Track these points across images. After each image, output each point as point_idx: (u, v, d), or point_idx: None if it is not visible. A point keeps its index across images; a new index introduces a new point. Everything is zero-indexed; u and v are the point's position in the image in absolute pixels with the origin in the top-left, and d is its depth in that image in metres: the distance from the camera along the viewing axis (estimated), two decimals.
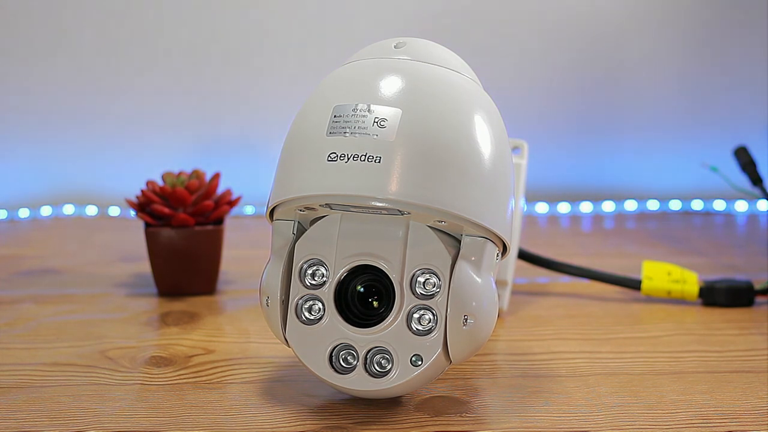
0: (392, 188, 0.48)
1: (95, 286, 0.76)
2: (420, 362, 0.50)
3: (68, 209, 1.01)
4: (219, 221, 0.73)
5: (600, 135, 1.08)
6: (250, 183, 0.98)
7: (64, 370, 0.58)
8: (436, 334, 0.50)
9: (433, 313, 0.50)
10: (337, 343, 0.51)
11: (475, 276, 0.50)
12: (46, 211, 1.01)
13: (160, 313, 0.69)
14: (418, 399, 0.54)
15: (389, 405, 0.53)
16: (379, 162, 0.48)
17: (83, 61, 1.00)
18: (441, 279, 0.50)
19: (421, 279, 0.50)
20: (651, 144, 1.08)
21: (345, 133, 0.49)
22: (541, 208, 1.05)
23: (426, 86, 0.50)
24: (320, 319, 0.52)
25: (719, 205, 1.07)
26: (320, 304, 0.52)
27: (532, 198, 1.05)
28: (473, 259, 0.50)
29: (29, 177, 1.02)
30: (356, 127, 0.49)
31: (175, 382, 0.56)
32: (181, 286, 0.72)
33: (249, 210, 1.03)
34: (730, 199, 1.06)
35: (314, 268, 0.52)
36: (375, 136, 0.48)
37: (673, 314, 0.70)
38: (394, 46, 0.52)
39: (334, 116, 0.49)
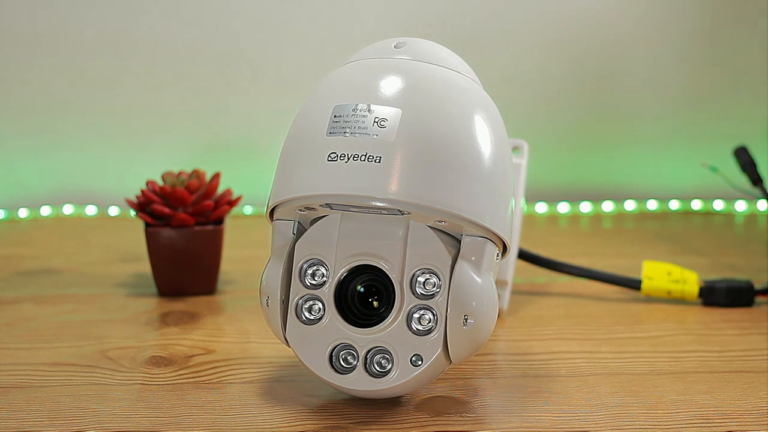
0: (392, 188, 0.48)
1: (95, 286, 0.76)
2: (420, 362, 0.50)
3: (68, 209, 1.01)
4: (219, 221, 0.73)
5: (600, 135, 1.08)
6: (250, 183, 0.98)
7: (64, 370, 0.58)
8: (436, 334, 0.50)
9: (433, 313, 0.50)
10: (337, 343, 0.51)
11: (475, 276, 0.50)
12: (46, 211, 1.01)
13: (160, 313, 0.69)
14: (418, 399, 0.54)
15: (389, 405, 0.53)
16: (379, 162, 0.48)
17: (83, 60, 1.00)
18: (441, 279, 0.50)
19: (421, 279, 0.50)
20: (651, 144, 1.08)
21: (345, 133, 0.49)
22: (541, 208, 1.05)
23: (426, 86, 0.50)
24: (320, 319, 0.52)
25: (719, 205, 1.07)
26: (320, 304, 0.52)
27: (532, 198, 1.05)
28: (473, 259, 0.50)
29: (29, 177, 1.02)
30: (356, 127, 0.49)
31: (175, 382, 0.56)
32: (181, 286, 0.72)
33: (249, 210, 1.03)
34: (730, 199, 1.06)
35: (314, 268, 0.52)
36: (375, 136, 0.48)
37: (673, 314, 0.70)
38: (394, 46, 0.52)
39: (334, 116, 0.49)
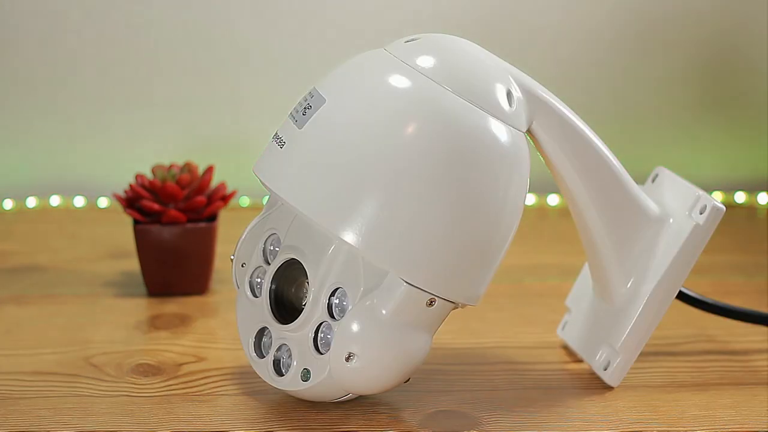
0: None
1: (82, 286, 0.72)
2: (308, 377, 0.48)
3: (55, 200, 0.98)
4: (212, 218, 0.70)
5: (621, 123, 1.05)
6: (246, 173, 0.94)
7: (46, 380, 0.55)
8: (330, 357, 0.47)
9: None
10: (262, 326, 0.51)
11: (381, 315, 0.46)
12: (32, 202, 0.97)
13: (149, 315, 0.66)
14: (423, 414, 0.51)
15: (393, 420, 0.50)
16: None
17: (72, 45, 0.98)
18: (351, 305, 0.47)
19: (335, 298, 0.48)
20: (667, 135, 1.06)
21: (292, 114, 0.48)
22: (553, 200, 1.02)
23: None
24: (259, 297, 0.51)
25: (740, 197, 1.03)
26: (264, 282, 0.51)
27: (544, 190, 1.02)
28: (387, 297, 0.46)
29: (14, 166, 0.98)
30: (295, 111, 0.48)
31: (163, 393, 0.53)
32: (172, 286, 0.69)
33: (246, 201, 1.00)
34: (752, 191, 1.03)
35: (273, 245, 0.52)
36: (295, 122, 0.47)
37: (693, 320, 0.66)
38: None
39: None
